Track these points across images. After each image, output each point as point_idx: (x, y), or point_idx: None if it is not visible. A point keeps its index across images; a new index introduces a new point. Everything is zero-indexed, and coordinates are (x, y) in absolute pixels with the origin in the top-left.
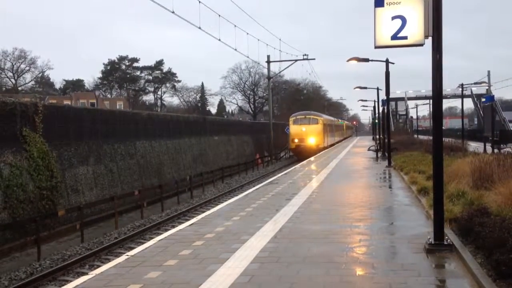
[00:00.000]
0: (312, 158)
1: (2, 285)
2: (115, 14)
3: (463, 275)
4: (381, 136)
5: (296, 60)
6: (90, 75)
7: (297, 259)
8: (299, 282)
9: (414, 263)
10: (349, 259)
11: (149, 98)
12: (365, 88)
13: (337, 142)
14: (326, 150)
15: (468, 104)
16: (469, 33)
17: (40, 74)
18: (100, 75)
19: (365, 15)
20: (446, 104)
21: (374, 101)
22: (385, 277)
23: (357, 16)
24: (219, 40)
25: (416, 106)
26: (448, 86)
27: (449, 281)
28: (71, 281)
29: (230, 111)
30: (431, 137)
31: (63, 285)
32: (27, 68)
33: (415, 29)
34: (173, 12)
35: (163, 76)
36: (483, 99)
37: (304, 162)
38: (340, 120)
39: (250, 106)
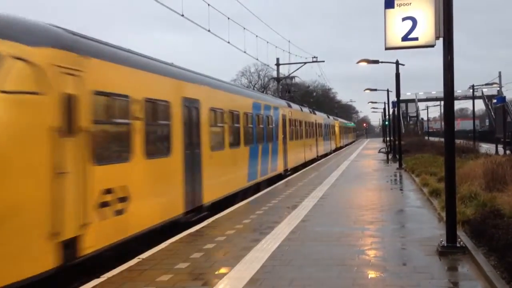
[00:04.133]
0: None
1: None
2: (122, 17)
3: (476, 278)
4: (391, 138)
5: (305, 63)
6: None
7: (309, 261)
8: (311, 285)
9: (426, 266)
10: (361, 262)
11: None
12: (375, 90)
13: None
14: None
15: (479, 105)
16: (471, 34)
17: None
18: None
19: (374, 17)
20: (457, 105)
21: (384, 103)
22: (398, 279)
23: (366, 18)
24: (228, 42)
25: (427, 107)
26: (456, 87)
27: (462, 283)
28: (82, 284)
29: None
30: (442, 139)
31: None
32: None
33: (426, 30)
34: (182, 15)
35: None
36: (495, 100)
37: None
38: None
39: None
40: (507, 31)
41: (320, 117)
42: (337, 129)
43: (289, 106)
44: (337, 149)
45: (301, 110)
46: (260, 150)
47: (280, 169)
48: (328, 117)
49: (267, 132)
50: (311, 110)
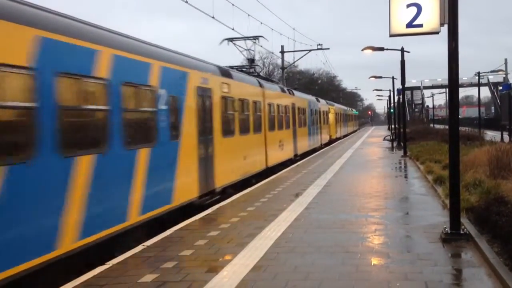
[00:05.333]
0: None
1: None
2: (122, 5)
3: (479, 265)
4: (396, 126)
5: (310, 50)
6: None
7: (312, 248)
8: (314, 272)
9: (430, 253)
10: (364, 249)
11: None
12: (380, 77)
13: None
14: None
15: (485, 92)
16: (475, 21)
17: None
18: None
19: (379, 4)
20: (463, 92)
21: (389, 90)
22: (401, 266)
23: (371, 5)
24: (233, 29)
25: (432, 95)
26: (461, 75)
27: (465, 270)
28: (88, 270)
29: None
30: (447, 126)
31: (80, 274)
32: None
33: (431, 16)
34: (186, 2)
35: None
36: (500, 87)
37: None
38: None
39: None
40: (510, 18)
41: (302, 100)
42: (332, 116)
43: (226, 75)
44: (332, 141)
45: (259, 85)
46: (89, 168)
47: (182, 197)
48: (318, 100)
49: (131, 124)
50: (287, 89)
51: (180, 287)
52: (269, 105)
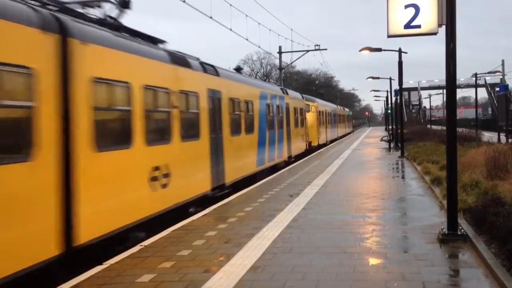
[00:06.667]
0: None
1: None
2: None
3: (477, 265)
4: (393, 127)
5: (308, 51)
6: None
7: (310, 249)
8: (312, 272)
9: (427, 253)
10: (362, 249)
11: None
12: (378, 78)
13: None
14: None
15: (482, 93)
16: (471, 22)
17: None
18: None
19: (376, 4)
20: (460, 93)
21: (387, 91)
22: (398, 267)
23: (368, 5)
24: (231, 29)
25: (430, 96)
26: (458, 76)
27: (462, 271)
28: (85, 271)
29: None
30: (444, 127)
31: (77, 274)
32: None
33: (429, 17)
34: (184, 1)
35: None
36: (497, 89)
37: None
38: None
39: None
40: (507, 18)
41: (242, 87)
42: (312, 115)
43: None
44: (311, 150)
45: (60, 32)
46: None
47: None
48: (285, 92)
49: None
50: (200, 62)
51: (177, 287)
52: (107, 87)
